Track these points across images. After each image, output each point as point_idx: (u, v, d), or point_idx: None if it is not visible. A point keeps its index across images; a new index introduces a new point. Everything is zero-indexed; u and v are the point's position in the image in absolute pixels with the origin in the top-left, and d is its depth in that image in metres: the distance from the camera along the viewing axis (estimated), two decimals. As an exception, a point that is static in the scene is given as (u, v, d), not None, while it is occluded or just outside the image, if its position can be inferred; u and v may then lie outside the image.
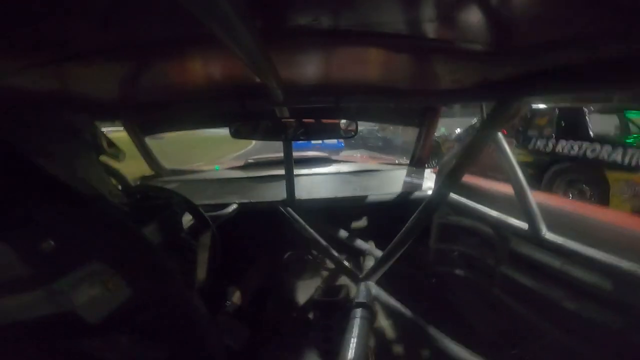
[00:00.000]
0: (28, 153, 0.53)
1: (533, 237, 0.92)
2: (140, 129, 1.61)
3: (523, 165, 4.02)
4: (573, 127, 3.61)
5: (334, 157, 2.38)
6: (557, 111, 3.81)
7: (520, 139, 4.08)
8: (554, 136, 3.74)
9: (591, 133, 3.45)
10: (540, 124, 3.95)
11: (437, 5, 0.40)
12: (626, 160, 3.05)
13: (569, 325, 0.83)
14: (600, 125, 3.76)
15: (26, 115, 0.61)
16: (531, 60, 0.56)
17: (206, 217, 1.09)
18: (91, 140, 0.65)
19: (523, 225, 0.96)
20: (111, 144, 0.76)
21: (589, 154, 3.35)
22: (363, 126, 11.04)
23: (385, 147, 10.74)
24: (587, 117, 3.54)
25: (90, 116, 0.87)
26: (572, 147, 3.51)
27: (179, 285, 0.75)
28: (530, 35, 0.45)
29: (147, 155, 1.72)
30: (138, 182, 1.62)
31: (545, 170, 3.75)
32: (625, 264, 0.69)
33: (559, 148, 3.63)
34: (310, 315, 1.38)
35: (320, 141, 5.77)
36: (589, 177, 3.41)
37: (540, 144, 3.86)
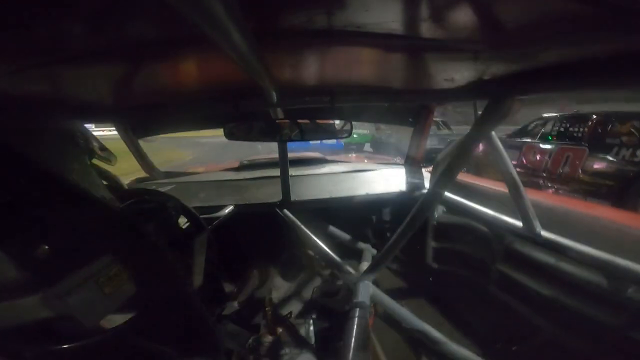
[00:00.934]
0: (20, 156, 0.52)
1: (528, 234, 0.92)
2: (133, 131, 1.59)
3: (599, 175, 3.40)
4: None
5: (329, 158, 2.38)
6: None
7: (598, 148, 3.72)
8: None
9: None
10: (623, 131, 3.59)
11: (429, 5, 0.40)
12: None
13: (564, 321, 0.83)
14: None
15: (18, 119, 0.60)
16: (524, 59, 0.56)
17: (201, 219, 1.09)
18: (83, 143, 0.64)
19: (518, 223, 0.96)
20: (103, 147, 0.75)
21: None
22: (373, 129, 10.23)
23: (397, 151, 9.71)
24: None
25: (81, 118, 0.85)
26: None
27: (182, 285, 0.75)
28: (522, 34, 0.45)
29: (141, 157, 1.71)
30: (132, 185, 1.61)
31: (632, 181, 3.38)
32: (618, 260, 0.70)
33: None
34: (309, 316, 1.38)
35: (318, 141, 5.72)
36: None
37: (625, 153, 3.44)
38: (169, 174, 1.88)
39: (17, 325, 0.52)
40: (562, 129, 4.32)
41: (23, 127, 0.54)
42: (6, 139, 0.50)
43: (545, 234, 0.89)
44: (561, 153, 4.12)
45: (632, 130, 3.51)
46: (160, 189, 1.25)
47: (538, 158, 4.50)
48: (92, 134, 0.71)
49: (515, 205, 0.93)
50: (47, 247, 0.52)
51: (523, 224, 0.94)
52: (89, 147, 0.67)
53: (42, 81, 0.64)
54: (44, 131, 0.60)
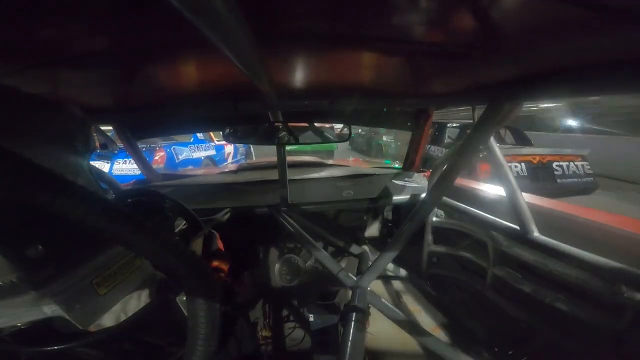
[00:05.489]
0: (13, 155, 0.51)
1: (524, 238, 0.93)
2: (132, 133, 1.59)
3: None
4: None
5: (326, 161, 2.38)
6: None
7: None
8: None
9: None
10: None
11: (428, 10, 0.41)
12: None
13: (561, 324, 0.83)
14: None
15: (17, 118, 0.60)
16: (522, 64, 0.57)
17: (199, 221, 1.08)
18: (82, 143, 0.63)
19: (514, 227, 0.97)
20: (105, 145, 0.73)
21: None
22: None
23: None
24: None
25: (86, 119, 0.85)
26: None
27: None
28: (520, 39, 0.46)
29: (139, 159, 1.70)
30: (130, 186, 1.60)
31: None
32: (613, 263, 0.71)
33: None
34: (305, 319, 1.37)
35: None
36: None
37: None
38: (167, 176, 1.88)
39: (10, 325, 0.51)
40: None
41: (20, 127, 0.54)
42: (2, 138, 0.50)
43: (541, 237, 0.89)
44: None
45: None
46: (158, 191, 1.24)
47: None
48: (92, 133, 0.68)
49: (512, 209, 0.94)
50: (40, 246, 0.52)
51: (520, 227, 0.94)
52: (88, 147, 0.66)
53: (42, 81, 0.64)
54: (40, 131, 0.59)
